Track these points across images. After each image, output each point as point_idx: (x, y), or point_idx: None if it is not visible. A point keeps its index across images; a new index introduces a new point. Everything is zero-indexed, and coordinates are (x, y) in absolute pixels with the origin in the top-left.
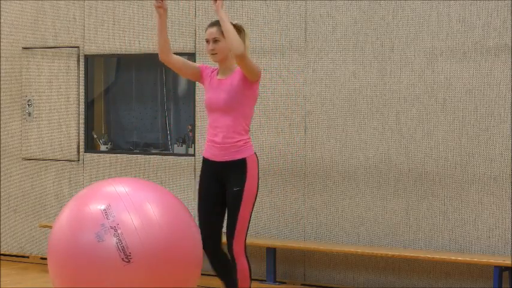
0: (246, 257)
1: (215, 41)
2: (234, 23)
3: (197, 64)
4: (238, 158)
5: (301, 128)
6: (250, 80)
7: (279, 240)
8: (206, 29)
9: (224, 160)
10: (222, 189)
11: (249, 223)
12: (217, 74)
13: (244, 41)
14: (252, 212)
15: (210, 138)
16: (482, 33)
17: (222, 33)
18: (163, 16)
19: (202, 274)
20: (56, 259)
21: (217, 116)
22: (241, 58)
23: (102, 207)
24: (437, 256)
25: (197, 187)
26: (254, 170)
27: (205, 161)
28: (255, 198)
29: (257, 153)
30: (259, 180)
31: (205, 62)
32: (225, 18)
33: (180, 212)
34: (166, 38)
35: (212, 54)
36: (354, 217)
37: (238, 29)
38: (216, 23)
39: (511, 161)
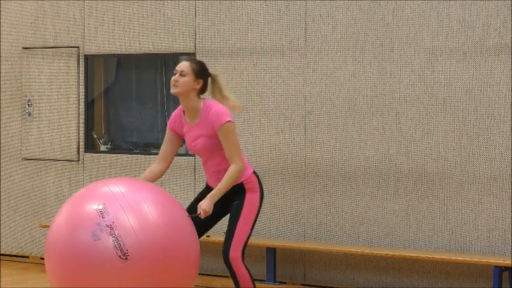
0: (244, 263)
1: (182, 74)
2: (209, 72)
3: (168, 130)
4: (235, 184)
5: (301, 128)
6: None
7: (279, 240)
8: (179, 61)
9: None
10: (217, 209)
11: (248, 237)
12: (184, 116)
13: (218, 83)
14: (252, 228)
15: (206, 172)
16: (482, 33)
17: (192, 71)
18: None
19: (201, 274)
20: (54, 259)
21: (204, 158)
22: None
23: (98, 207)
24: (437, 256)
25: (197, 189)
26: (255, 187)
27: (208, 186)
28: (257, 214)
29: (257, 153)
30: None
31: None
32: (217, 195)
33: (176, 211)
34: (153, 178)
35: (173, 85)
36: (354, 217)
37: (212, 77)
38: (189, 59)
39: (511, 161)
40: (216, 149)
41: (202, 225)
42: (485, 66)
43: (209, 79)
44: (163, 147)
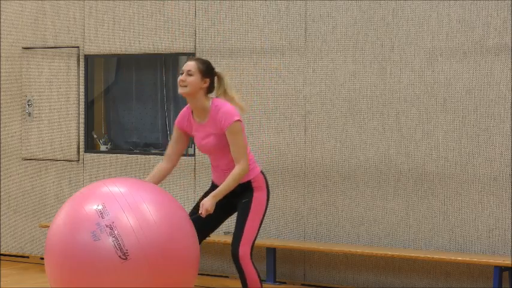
0: (252, 262)
1: (189, 74)
2: (215, 71)
3: (176, 128)
4: (243, 181)
5: (301, 128)
6: None
7: (279, 240)
8: (185, 62)
9: None
10: (224, 207)
11: (256, 235)
12: (192, 115)
13: (223, 84)
14: (260, 227)
15: (214, 169)
16: (482, 33)
17: (199, 70)
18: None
19: (201, 274)
20: (54, 259)
21: (213, 156)
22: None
23: (97, 207)
24: (437, 256)
25: (197, 189)
26: (262, 186)
27: (214, 184)
28: (264, 213)
29: (257, 153)
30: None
31: None
32: (219, 195)
33: (176, 211)
34: (161, 177)
35: (181, 86)
36: (354, 217)
37: (218, 76)
38: (195, 59)
39: (511, 161)
40: (226, 147)
41: (210, 224)
42: (485, 66)
43: (215, 78)
44: (171, 145)
